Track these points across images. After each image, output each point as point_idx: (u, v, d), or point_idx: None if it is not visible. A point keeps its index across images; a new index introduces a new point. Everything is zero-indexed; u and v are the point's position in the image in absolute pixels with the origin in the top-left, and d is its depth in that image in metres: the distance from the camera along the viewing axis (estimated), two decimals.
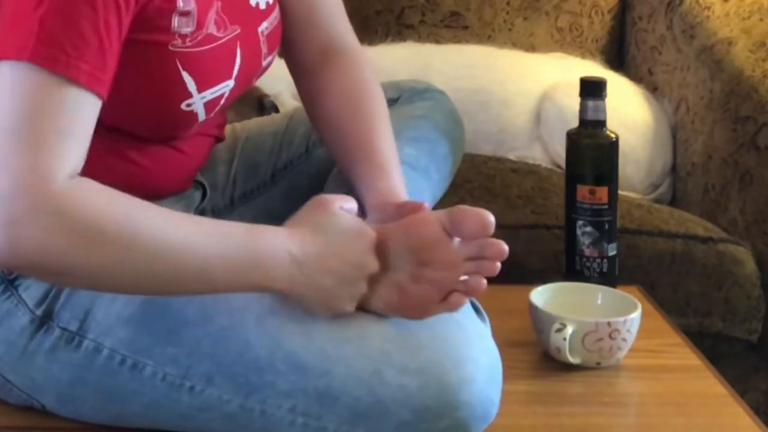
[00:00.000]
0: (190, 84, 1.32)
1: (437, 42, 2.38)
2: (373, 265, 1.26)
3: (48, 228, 1.14)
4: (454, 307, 1.26)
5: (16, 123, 1.15)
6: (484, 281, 1.26)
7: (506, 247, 1.25)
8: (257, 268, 1.22)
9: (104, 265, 1.17)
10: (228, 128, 1.63)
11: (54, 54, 1.16)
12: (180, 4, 1.29)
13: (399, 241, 1.28)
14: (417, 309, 1.26)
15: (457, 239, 1.26)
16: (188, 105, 1.34)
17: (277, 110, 2.02)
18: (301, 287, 1.23)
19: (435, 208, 1.51)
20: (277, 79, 1.81)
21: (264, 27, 1.43)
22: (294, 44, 1.53)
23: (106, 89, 1.20)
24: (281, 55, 1.55)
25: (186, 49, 1.31)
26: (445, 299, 1.26)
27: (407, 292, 1.26)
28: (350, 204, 1.29)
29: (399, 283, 1.27)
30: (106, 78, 1.20)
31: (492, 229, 1.25)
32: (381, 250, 1.27)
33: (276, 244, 1.23)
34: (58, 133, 1.16)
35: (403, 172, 1.43)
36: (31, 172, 1.14)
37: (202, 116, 1.37)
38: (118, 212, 1.18)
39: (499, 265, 1.26)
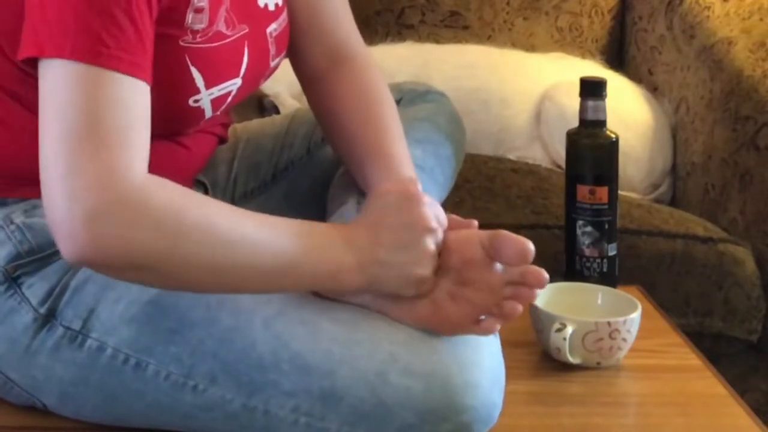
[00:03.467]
0: (198, 80, 1.33)
1: (437, 42, 2.38)
2: (424, 220, 1.25)
3: (129, 221, 1.15)
4: (486, 331, 1.26)
5: (76, 123, 1.15)
6: (520, 307, 1.25)
7: (546, 276, 1.25)
8: (322, 254, 1.22)
9: (185, 257, 1.18)
10: (229, 129, 1.64)
11: (94, 48, 1.16)
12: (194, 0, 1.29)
13: (441, 257, 1.27)
14: (449, 326, 1.26)
15: (499, 264, 1.26)
16: (195, 101, 1.34)
17: (277, 111, 2.02)
18: (368, 267, 1.23)
19: None
20: (277, 80, 1.81)
21: (272, 28, 1.43)
22: (301, 48, 1.53)
23: (149, 74, 1.21)
24: (288, 58, 1.54)
25: (196, 45, 1.31)
26: (477, 322, 1.26)
27: (443, 309, 1.26)
28: (401, 187, 1.29)
29: (435, 299, 1.26)
30: (147, 64, 1.20)
31: (531, 258, 1.24)
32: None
33: (331, 233, 1.24)
34: (120, 126, 1.16)
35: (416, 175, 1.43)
36: (105, 168, 1.14)
37: (208, 113, 1.37)
38: (196, 205, 1.19)
39: (537, 293, 1.26)
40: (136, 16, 1.19)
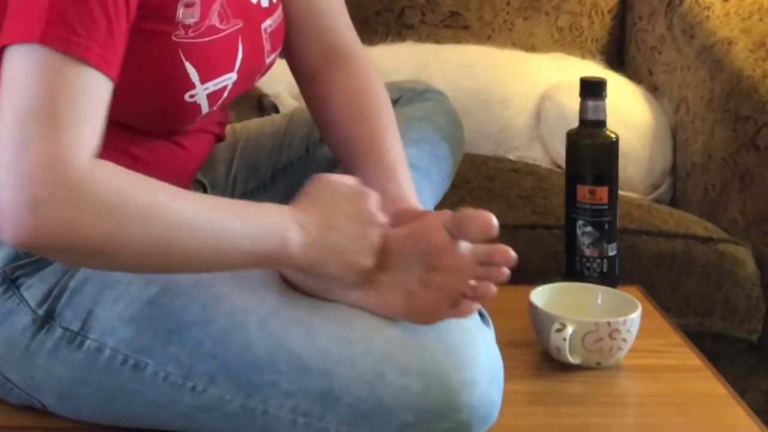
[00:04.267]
0: (193, 75, 1.33)
1: (437, 42, 2.38)
2: (378, 216, 1.27)
3: (73, 205, 1.15)
4: (463, 314, 1.26)
5: (31, 104, 1.15)
6: (494, 287, 1.25)
7: (513, 254, 1.25)
8: (268, 236, 1.22)
9: (129, 240, 1.18)
10: (228, 128, 1.64)
11: (65, 35, 1.16)
12: None
13: (407, 246, 1.28)
14: (426, 314, 1.26)
15: (465, 244, 1.26)
16: (191, 96, 1.34)
17: (276, 110, 2.02)
18: (314, 252, 1.24)
19: (436, 209, 1.51)
20: (276, 79, 1.81)
21: (267, 24, 1.44)
22: (297, 47, 1.53)
23: (116, 72, 1.21)
24: (284, 57, 1.55)
25: (189, 40, 1.32)
26: (454, 305, 1.26)
27: (416, 297, 1.26)
28: (348, 179, 1.30)
29: (407, 288, 1.27)
30: (115, 60, 1.20)
31: (495, 230, 1.25)
32: (387, 247, 1.28)
33: (282, 215, 1.24)
34: (74, 113, 1.16)
35: (410, 175, 1.43)
36: (52, 152, 1.14)
37: (205, 108, 1.37)
38: (140, 187, 1.19)
39: (507, 271, 1.26)
40: (111, 12, 1.19)
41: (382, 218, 1.27)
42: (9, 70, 1.17)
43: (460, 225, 1.26)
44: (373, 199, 1.27)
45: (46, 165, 1.14)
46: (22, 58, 1.17)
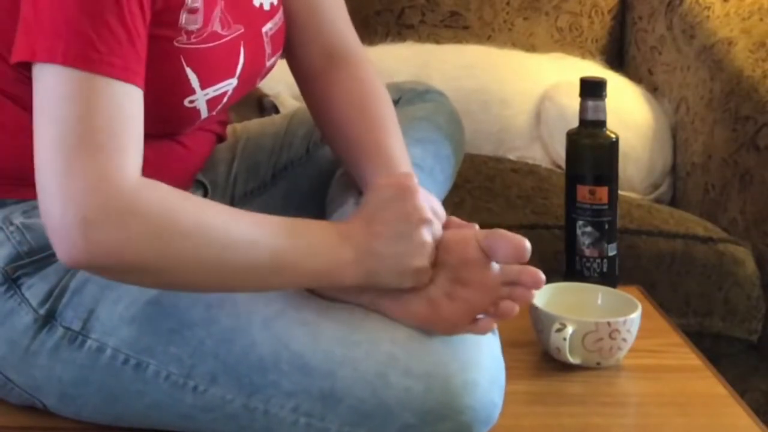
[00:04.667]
0: (194, 80, 1.33)
1: (437, 42, 2.38)
2: (419, 211, 1.25)
3: (123, 226, 1.16)
4: (482, 330, 1.26)
5: (70, 128, 1.16)
6: (516, 307, 1.25)
7: (543, 276, 1.25)
8: (322, 252, 1.23)
9: (179, 259, 1.19)
10: (228, 128, 1.64)
11: (86, 53, 1.17)
12: (188, 0, 1.29)
13: (438, 256, 1.27)
14: (446, 326, 1.26)
15: (496, 263, 1.26)
16: (191, 101, 1.34)
17: (277, 111, 2.02)
18: (366, 262, 1.23)
19: None
20: (276, 80, 1.81)
21: (268, 27, 1.44)
22: (298, 48, 1.53)
23: (142, 78, 1.21)
24: (285, 58, 1.55)
25: (190, 46, 1.31)
26: (474, 321, 1.26)
27: (439, 308, 1.26)
28: (399, 179, 1.29)
29: (432, 298, 1.26)
30: (140, 68, 1.21)
31: (527, 255, 1.25)
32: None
33: (328, 230, 1.24)
34: (112, 131, 1.17)
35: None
36: (97, 174, 1.15)
37: (204, 113, 1.37)
38: (188, 207, 1.20)
39: (534, 293, 1.26)
40: (129, 22, 1.19)
41: (429, 214, 1.26)
42: (39, 92, 1.18)
43: (493, 244, 1.25)
44: (418, 195, 1.26)
45: (94, 186, 1.15)
46: (49, 80, 1.17)
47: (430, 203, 1.28)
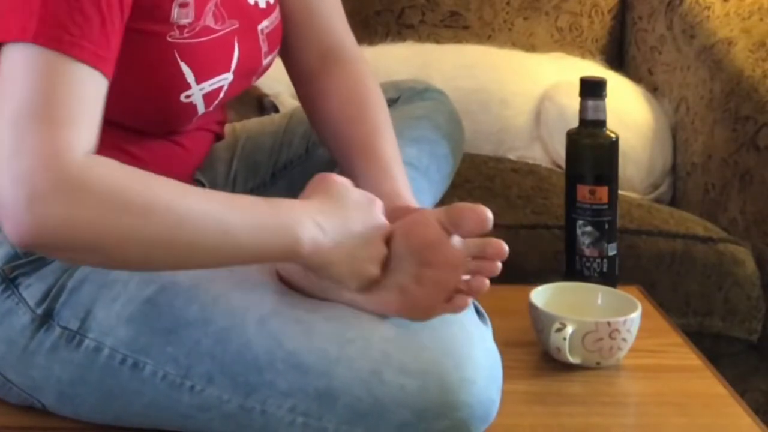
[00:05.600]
0: (189, 75, 1.33)
1: (437, 42, 2.38)
2: (384, 225, 1.27)
3: (72, 202, 1.14)
4: (458, 308, 1.26)
5: (27, 103, 1.15)
6: (487, 281, 1.26)
7: (506, 247, 1.26)
8: (281, 229, 1.22)
9: (131, 235, 1.17)
10: (228, 128, 1.64)
11: (57, 34, 1.16)
12: None
13: (400, 243, 1.28)
14: (420, 310, 1.26)
15: (458, 238, 1.26)
16: (187, 96, 1.34)
17: (276, 110, 2.02)
18: (326, 250, 1.23)
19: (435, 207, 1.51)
20: (276, 80, 1.81)
21: (264, 25, 1.44)
22: (293, 48, 1.53)
23: (111, 68, 1.21)
24: (281, 59, 1.55)
25: (183, 41, 1.32)
26: (449, 300, 1.26)
27: (410, 294, 1.26)
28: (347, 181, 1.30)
29: (402, 285, 1.27)
30: (110, 57, 1.21)
31: (490, 224, 1.25)
32: (385, 243, 1.28)
33: (296, 209, 1.24)
34: (69, 110, 1.16)
35: (406, 173, 1.43)
36: (49, 150, 1.14)
37: (201, 109, 1.37)
38: (139, 182, 1.19)
39: (499, 264, 1.26)
40: (105, 10, 1.19)
41: (387, 226, 1.28)
42: (5, 68, 1.18)
43: (455, 219, 1.26)
44: (381, 207, 1.28)
45: (43, 163, 1.14)
46: (16, 57, 1.17)
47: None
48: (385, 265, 1.28)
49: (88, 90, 1.18)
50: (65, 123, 1.16)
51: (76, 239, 1.16)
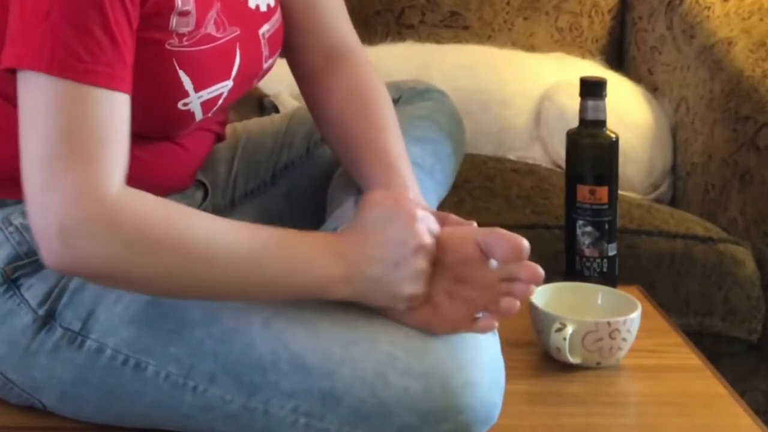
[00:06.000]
0: (187, 83, 1.33)
1: (437, 42, 2.38)
2: (417, 237, 1.23)
3: (101, 238, 1.17)
4: (483, 330, 1.25)
5: (51, 140, 1.17)
6: (517, 303, 1.24)
7: (541, 272, 1.24)
8: (308, 271, 1.22)
9: (160, 272, 1.20)
10: (228, 128, 1.64)
11: (71, 62, 1.17)
12: (178, 3, 1.29)
13: (437, 255, 1.26)
14: (447, 325, 1.25)
15: (494, 261, 1.26)
16: (185, 104, 1.34)
17: (277, 111, 2.02)
18: (354, 285, 1.23)
19: (438, 208, 1.51)
20: (277, 80, 1.81)
21: (265, 29, 1.43)
22: (297, 47, 1.53)
23: (129, 84, 1.22)
24: (284, 56, 1.55)
25: (183, 49, 1.31)
26: (474, 320, 1.25)
27: (440, 308, 1.25)
28: (399, 200, 1.27)
29: (432, 297, 1.25)
30: (126, 74, 1.21)
31: (526, 255, 1.24)
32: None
33: (321, 247, 1.23)
34: (97, 140, 1.18)
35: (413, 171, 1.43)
36: (78, 184, 1.16)
37: (199, 116, 1.37)
38: (171, 219, 1.20)
39: (533, 288, 1.25)
40: (114, 30, 1.20)
41: (427, 239, 1.24)
42: (24, 100, 1.19)
43: (492, 244, 1.24)
44: (414, 219, 1.24)
45: (72, 200, 1.16)
46: (34, 89, 1.18)
47: (426, 222, 1.25)
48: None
49: (110, 114, 1.19)
50: (92, 155, 1.17)
51: (105, 273, 1.20)
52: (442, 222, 1.29)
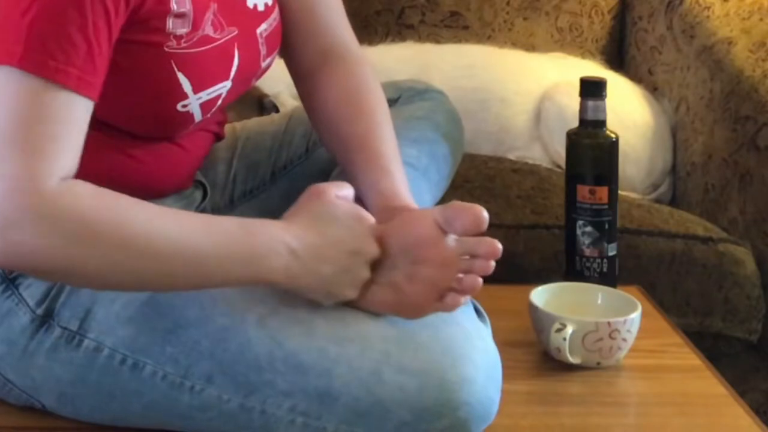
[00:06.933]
0: (186, 85, 1.32)
1: (437, 42, 2.38)
2: (371, 250, 1.26)
3: (42, 231, 1.16)
4: (450, 307, 1.26)
5: (7, 129, 1.16)
6: (480, 280, 1.26)
7: (499, 246, 1.25)
8: (253, 260, 1.22)
9: (100, 264, 1.19)
10: (228, 128, 1.63)
11: (43, 59, 1.17)
12: (174, 6, 1.29)
13: (393, 240, 1.28)
14: (413, 308, 1.26)
15: (452, 237, 1.26)
16: (184, 106, 1.34)
17: (277, 110, 2.02)
18: (299, 278, 1.24)
19: None
20: (276, 80, 1.81)
21: (263, 29, 1.43)
22: (294, 46, 1.53)
23: (97, 91, 1.21)
24: (281, 55, 1.54)
25: (181, 50, 1.31)
26: (441, 299, 1.26)
27: (403, 291, 1.26)
28: (346, 190, 1.30)
29: (394, 282, 1.27)
30: (96, 81, 1.21)
31: (485, 224, 1.25)
32: (379, 241, 1.27)
33: (272, 237, 1.23)
34: (49, 137, 1.17)
35: (405, 173, 1.43)
36: (23, 177, 1.15)
37: (198, 117, 1.37)
38: (110, 212, 1.19)
39: (493, 263, 1.26)
40: (91, 35, 1.19)
41: (375, 251, 1.27)
42: None
43: (450, 217, 1.26)
44: (369, 228, 1.27)
45: (14, 189, 1.15)
46: (2, 79, 1.17)
47: (369, 218, 1.27)
48: (379, 262, 1.27)
49: (71, 115, 1.19)
50: (42, 150, 1.16)
51: (46, 266, 1.18)
52: (399, 210, 1.31)
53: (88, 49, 1.19)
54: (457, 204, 1.27)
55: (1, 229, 1.15)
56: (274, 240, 1.23)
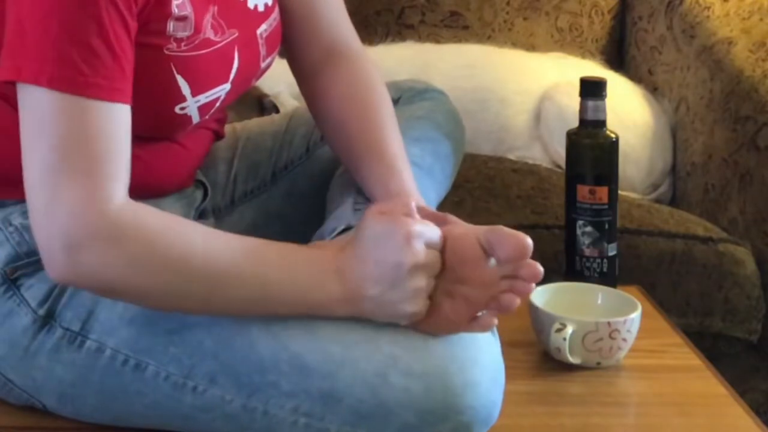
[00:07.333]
0: (185, 88, 1.33)
1: (437, 42, 2.38)
2: (412, 257, 1.21)
3: (104, 253, 1.18)
4: (483, 329, 1.25)
5: (55, 154, 1.18)
6: (517, 300, 1.24)
7: (541, 269, 1.23)
8: (310, 285, 1.23)
9: (162, 288, 1.21)
10: (228, 128, 1.63)
11: (71, 75, 1.18)
12: (175, 9, 1.29)
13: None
14: (447, 325, 1.24)
15: (493, 259, 1.25)
16: (182, 108, 1.34)
17: (277, 110, 2.02)
18: (357, 302, 1.22)
19: (438, 208, 1.51)
20: (277, 80, 1.81)
21: (263, 29, 1.43)
22: (296, 45, 1.53)
23: (129, 95, 1.22)
24: (283, 55, 1.54)
25: (181, 53, 1.31)
26: (475, 318, 1.25)
27: (440, 308, 1.24)
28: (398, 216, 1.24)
29: (433, 298, 1.24)
30: (126, 85, 1.22)
31: (529, 253, 1.23)
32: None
33: (321, 263, 1.23)
34: (100, 154, 1.19)
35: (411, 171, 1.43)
36: (85, 200, 1.18)
37: (196, 119, 1.37)
38: (173, 238, 1.21)
39: (533, 286, 1.25)
40: (113, 41, 1.20)
41: (423, 258, 1.21)
42: (25, 113, 1.20)
43: (495, 243, 1.23)
44: (406, 236, 1.21)
45: (78, 213, 1.18)
46: (35, 101, 1.19)
47: (427, 234, 1.23)
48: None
49: (112, 126, 1.20)
50: (97, 170, 1.18)
51: (111, 287, 1.21)
52: (441, 223, 1.29)
53: (113, 57, 1.20)
54: (502, 230, 1.24)
55: (66, 250, 1.18)
56: (325, 269, 1.23)
